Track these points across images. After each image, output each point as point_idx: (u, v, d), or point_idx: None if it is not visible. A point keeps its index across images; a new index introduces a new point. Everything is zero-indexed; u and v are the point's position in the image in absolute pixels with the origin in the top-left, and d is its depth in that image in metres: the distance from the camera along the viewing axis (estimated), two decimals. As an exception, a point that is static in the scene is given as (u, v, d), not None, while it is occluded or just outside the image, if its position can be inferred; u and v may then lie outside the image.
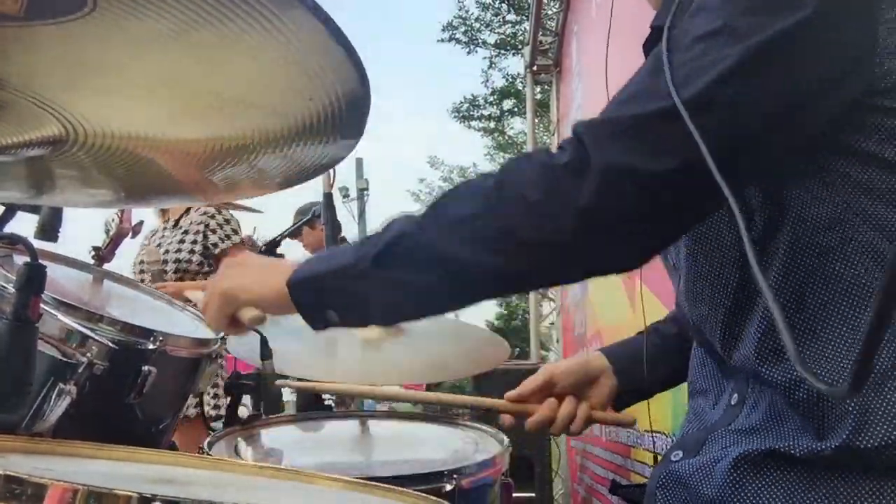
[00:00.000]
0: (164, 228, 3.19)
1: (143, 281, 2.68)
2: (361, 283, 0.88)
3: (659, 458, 1.20)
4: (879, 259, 0.82)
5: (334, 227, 2.10)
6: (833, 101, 0.81)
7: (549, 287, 1.17)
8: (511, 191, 0.83)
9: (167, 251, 3.05)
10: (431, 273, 0.86)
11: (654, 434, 2.52)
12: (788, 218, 0.85)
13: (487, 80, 18.57)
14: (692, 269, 0.97)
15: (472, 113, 19.01)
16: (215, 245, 3.09)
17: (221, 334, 1.58)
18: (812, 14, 0.77)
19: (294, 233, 2.62)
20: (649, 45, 1.03)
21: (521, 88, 15.10)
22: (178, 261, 3.02)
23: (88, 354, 1.15)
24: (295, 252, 4.12)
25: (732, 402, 0.95)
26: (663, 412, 2.34)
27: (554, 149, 0.84)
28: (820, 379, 0.69)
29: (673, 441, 1.08)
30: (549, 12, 6.24)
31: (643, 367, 1.30)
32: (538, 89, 7.14)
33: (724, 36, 0.79)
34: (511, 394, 1.33)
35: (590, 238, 0.82)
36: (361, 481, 0.99)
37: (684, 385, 1.13)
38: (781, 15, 0.77)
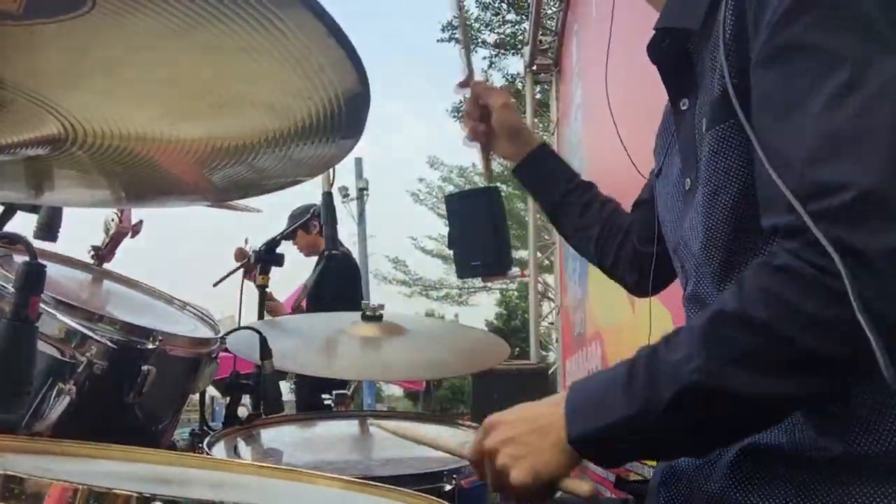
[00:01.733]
0: None
1: None
2: (649, 433, 0.84)
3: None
4: None
5: (334, 226, 2.10)
6: None
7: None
8: (783, 311, 0.76)
9: None
10: (726, 414, 0.81)
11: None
12: None
13: (487, 80, 18.52)
14: (706, 224, 0.95)
15: (471, 113, 18.97)
16: None
17: (221, 334, 1.58)
18: None
19: (288, 235, 2.63)
20: (653, 49, 1.03)
21: (520, 88, 15.10)
22: None
23: (88, 354, 1.15)
24: (291, 253, 4.13)
25: None
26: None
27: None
28: None
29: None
30: (549, 12, 6.25)
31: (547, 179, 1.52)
32: (538, 89, 7.15)
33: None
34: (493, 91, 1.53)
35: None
36: (361, 481, 0.99)
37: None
38: None
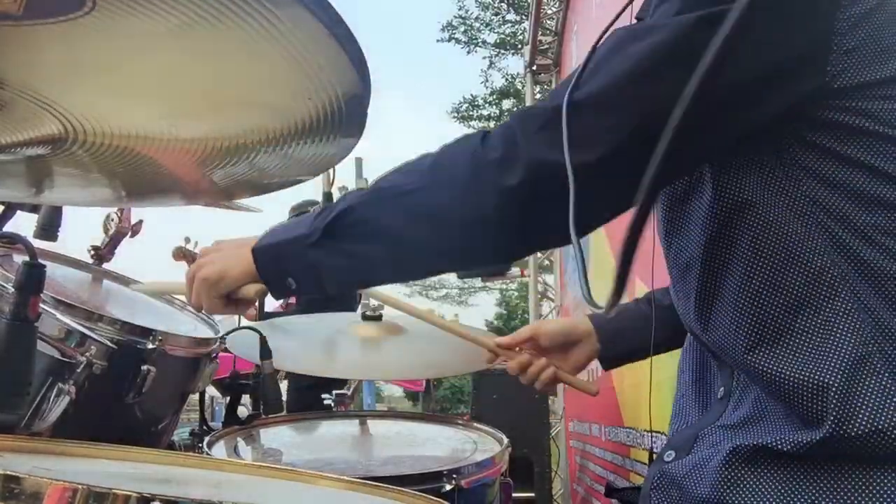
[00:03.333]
0: None
1: None
2: (314, 252, 0.96)
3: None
4: (843, 251, 0.82)
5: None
6: (771, 101, 0.82)
7: (485, 265, 1.27)
8: (444, 172, 0.90)
9: None
10: (376, 245, 0.93)
11: (654, 434, 2.52)
12: (752, 208, 0.86)
13: (487, 80, 18.58)
14: (666, 253, 0.99)
15: (471, 113, 18.99)
16: None
17: (221, 334, 1.58)
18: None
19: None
20: None
21: (520, 88, 15.10)
22: None
23: (87, 354, 1.15)
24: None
25: (719, 396, 0.96)
26: (664, 412, 2.34)
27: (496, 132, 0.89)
28: (594, 303, 0.75)
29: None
30: (549, 12, 6.24)
31: (630, 332, 1.40)
32: (538, 89, 7.13)
33: (647, 30, 0.83)
34: (501, 340, 1.50)
35: (514, 217, 0.87)
36: (361, 481, 0.99)
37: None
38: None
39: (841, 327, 0.82)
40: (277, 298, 1.03)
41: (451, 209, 0.89)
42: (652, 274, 1.29)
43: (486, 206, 0.86)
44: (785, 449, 0.83)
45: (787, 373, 0.84)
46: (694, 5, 0.80)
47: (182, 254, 4.30)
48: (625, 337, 1.43)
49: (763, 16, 0.77)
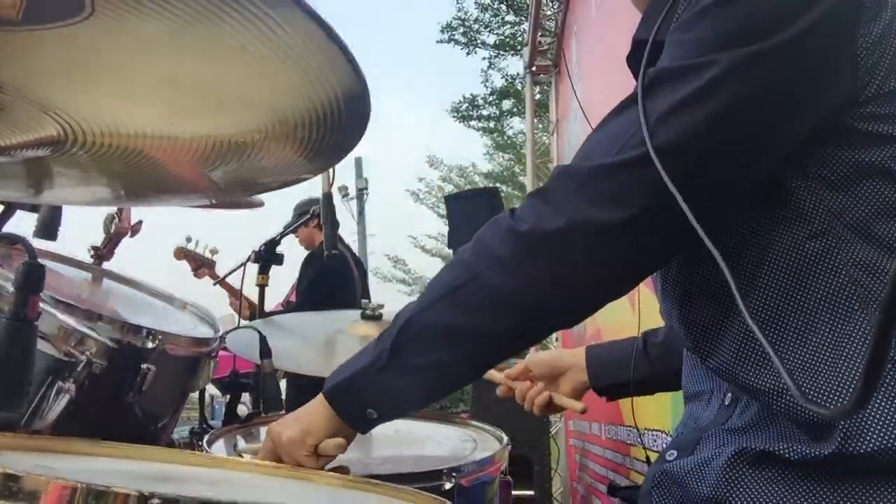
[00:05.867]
0: None
1: None
2: (385, 376, 0.94)
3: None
4: (866, 268, 0.82)
5: (334, 226, 2.10)
6: (807, 121, 0.83)
7: (548, 335, 1.31)
8: (486, 257, 0.90)
9: None
10: (441, 349, 0.92)
11: (654, 432, 2.53)
12: (772, 226, 0.85)
13: (486, 81, 18.54)
14: (663, 275, 0.99)
15: (471, 113, 18.96)
16: None
17: (221, 333, 1.59)
18: (791, 38, 0.79)
19: (291, 231, 2.63)
20: (633, 59, 1.03)
21: (520, 89, 15.08)
22: None
23: (87, 353, 1.15)
24: (294, 249, 4.12)
25: (726, 402, 0.95)
26: (663, 410, 2.34)
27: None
28: (820, 405, 0.74)
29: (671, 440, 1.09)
30: (548, 13, 6.24)
31: (618, 369, 1.47)
32: (537, 89, 7.13)
33: (693, 75, 0.82)
34: (508, 372, 1.59)
35: (561, 288, 0.88)
36: (360, 479, 1.00)
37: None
38: (760, 41, 0.79)
39: (854, 346, 0.81)
40: (364, 432, 1.01)
41: (503, 289, 0.88)
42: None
43: (536, 276, 0.87)
44: (792, 458, 0.83)
45: (787, 392, 0.84)
46: (738, 38, 0.80)
47: (183, 253, 4.31)
48: (612, 371, 1.50)
49: (805, 41, 0.79)
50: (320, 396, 1.00)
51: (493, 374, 1.59)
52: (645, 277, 0.94)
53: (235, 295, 3.37)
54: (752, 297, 0.86)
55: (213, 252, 4.11)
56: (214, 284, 3.64)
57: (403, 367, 0.93)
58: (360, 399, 0.97)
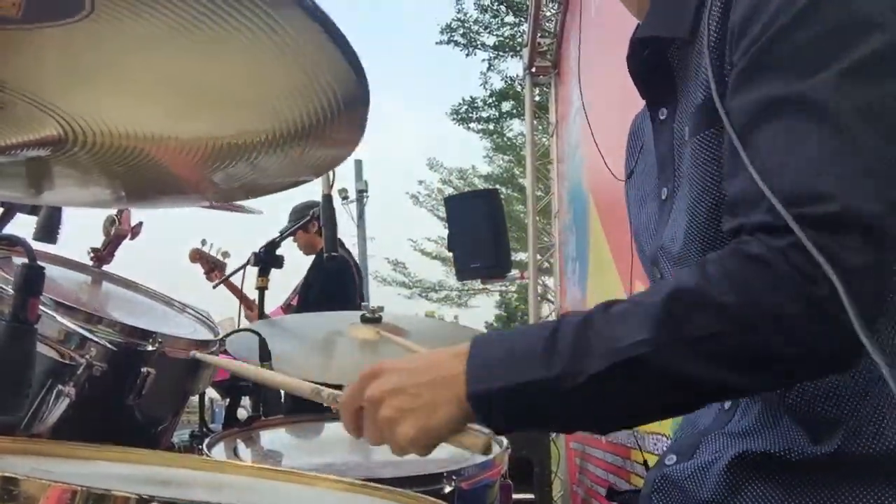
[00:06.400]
0: None
1: None
2: (576, 397, 0.80)
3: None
4: None
5: (333, 228, 2.10)
6: None
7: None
8: (763, 312, 0.74)
9: None
10: (662, 392, 0.79)
11: (654, 436, 2.52)
12: None
13: (486, 82, 18.58)
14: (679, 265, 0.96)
15: (470, 115, 19.00)
16: None
17: (221, 336, 1.58)
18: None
19: (291, 234, 2.63)
20: (633, 59, 1.03)
21: (519, 90, 15.09)
22: None
23: (87, 356, 1.15)
24: (292, 253, 4.13)
25: (725, 407, 0.95)
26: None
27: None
28: None
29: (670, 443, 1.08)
30: (548, 14, 6.24)
31: None
32: (537, 91, 7.14)
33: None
34: None
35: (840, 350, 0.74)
36: (361, 483, 0.99)
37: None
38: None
39: None
40: (500, 434, 0.90)
41: (783, 352, 0.75)
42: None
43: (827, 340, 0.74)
44: (793, 459, 0.82)
45: (798, 392, 0.83)
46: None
47: (198, 255, 4.30)
48: None
49: None
50: (456, 387, 0.83)
51: None
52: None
53: (247, 304, 3.37)
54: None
55: (225, 255, 4.13)
56: (214, 287, 3.64)
57: (605, 396, 0.80)
58: (512, 410, 0.83)
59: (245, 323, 2.84)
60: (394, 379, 0.86)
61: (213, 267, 4.11)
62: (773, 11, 0.79)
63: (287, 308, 4.42)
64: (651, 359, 0.76)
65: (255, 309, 3.24)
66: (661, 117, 1.02)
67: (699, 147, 0.91)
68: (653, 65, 1.01)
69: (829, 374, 0.82)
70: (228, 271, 3.79)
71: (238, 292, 3.43)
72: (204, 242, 4.16)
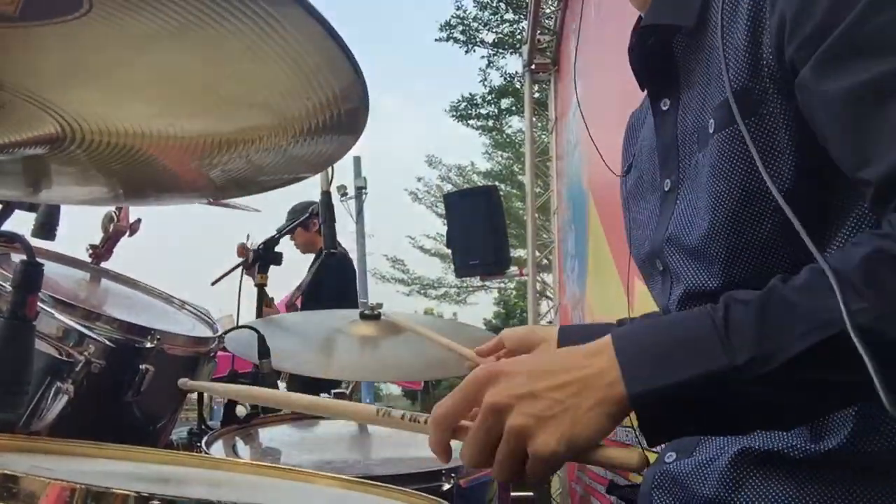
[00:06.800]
0: None
1: None
2: (765, 387, 0.68)
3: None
4: None
5: (333, 225, 2.10)
6: None
7: None
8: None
9: None
10: (876, 369, 0.63)
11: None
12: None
13: (485, 79, 18.57)
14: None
15: (470, 112, 18.99)
16: None
17: (220, 333, 1.58)
18: None
19: (289, 232, 2.64)
20: (636, 48, 1.02)
21: (519, 87, 15.08)
22: None
23: (86, 353, 1.15)
24: (289, 251, 4.13)
25: None
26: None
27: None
28: None
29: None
30: (548, 11, 6.24)
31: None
32: (536, 88, 7.14)
33: None
34: (479, 349, 1.51)
35: None
36: (359, 480, 0.99)
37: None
38: None
39: None
40: (652, 447, 0.76)
41: None
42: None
43: None
44: (796, 457, 0.82)
45: None
46: None
47: (245, 250, 4.28)
48: None
49: None
50: (604, 389, 0.71)
51: (462, 350, 1.58)
52: None
53: (267, 303, 3.37)
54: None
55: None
56: (213, 284, 3.64)
57: (802, 383, 0.68)
58: (699, 410, 0.71)
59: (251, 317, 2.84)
60: (521, 381, 0.72)
61: (251, 264, 4.10)
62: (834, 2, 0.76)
63: (290, 307, 4.42)
64: (876, 328, 0.64)
65: (272, 305, 3.25)
66: (664, 108, 1.01)
67: (727, 140, 0.88)
68: (656, 55, 1.01)
69: None
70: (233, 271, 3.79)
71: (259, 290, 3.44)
72: (248, 237, 4.14)
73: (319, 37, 0.66)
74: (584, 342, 0.99)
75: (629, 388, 0.70)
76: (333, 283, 4.04)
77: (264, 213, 2.64)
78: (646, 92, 1.07)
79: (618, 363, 0.71)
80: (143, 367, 1.26)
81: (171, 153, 0.94)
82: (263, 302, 2.56)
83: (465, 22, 18.03)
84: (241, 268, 2.67)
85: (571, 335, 1.44)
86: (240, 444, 1.54)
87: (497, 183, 16.44)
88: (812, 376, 0.67)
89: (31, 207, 1.45)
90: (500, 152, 19.46)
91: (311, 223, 3.85)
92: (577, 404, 0.71)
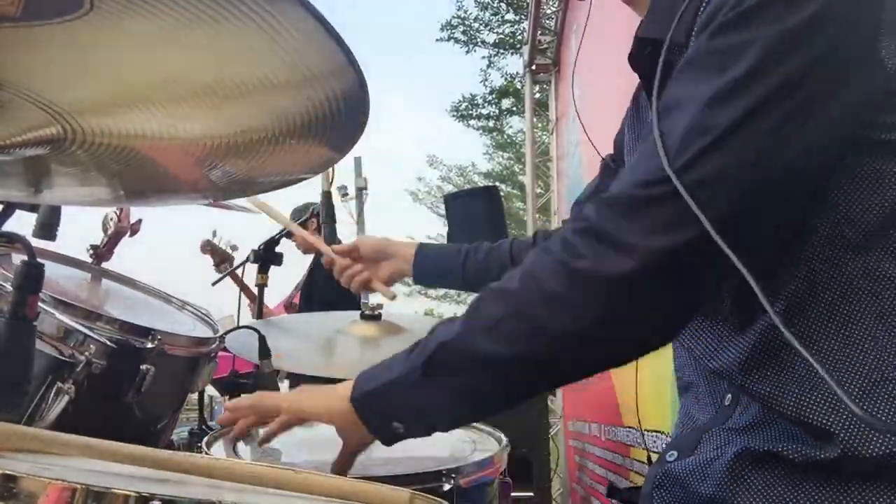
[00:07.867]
0: None
1: None
2: (416, 393, 0.94)
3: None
4: (871, 274, 0.81)
5: (333, 225, 2.10)
6: (840, 134, 0.81)
7: (587, 376, 1.23)
8: (534, 291, 0.87)
9: None
10: (476, 375, 0.91)
11: (653, 434, 2.53)
12: (814, 237, 0.83)
13: (486, 80, 18.56)
14: None
15: (470, 112, 18.98)
16: None
17: (220, 333, 1.58)
18: (821, 54, 0.77)
19: (289, 232, 2.64)
20: (635, 58, 1.03)
21: (519, 88, 15.08)
22: None
23: (87, 353, 1.15)
24: (291, 251, 4.12)
25: (726, 403, 0.95)
26: (662, 411, 2.34)
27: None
28: (876, 419, 0.72)
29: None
30: (548, 11, 6.24)
31: (440, 278, 1.65)
32: (537, 88, 7.13)
33: (718, 100, 0.80)
34: (336, 247, 1.73)
35: (610, 325, 0.84)
36: (359, 480, 0.99)
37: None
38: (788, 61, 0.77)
39: (862, 348, 0.80)
40: (388, 445, 1.02)
41: (549, 325, 0.85)
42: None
43: (586, 316, 0.84)
44: (795, 459, 0.82)
45: (791, 394, 0.83)
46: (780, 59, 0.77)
47: (209, 247, 4.29)
48: (435, 276, 1.65)
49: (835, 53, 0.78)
50: (345, 402, 1.01)
51: (321, 245, 1.73)
52: (684, 321, 0.89)
53: (249, 296, 3.37)
54: (778, 305, 0.84)
55: (234, 248, 4.14)
56: (213, 284, 3.64)
57: (434, 386, 0.93)
58: (387, 412, 0.98)
59: (247, 316, 2.84)
60: (296, 395, 1.13)
61: (222, 259, 4.11)
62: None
63: (289, 306, 4.42)
64: (454, 341, 0.91)
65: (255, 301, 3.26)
66: None
67: None
68: (655, 63, 1.01)
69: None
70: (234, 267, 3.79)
71: (241, 284, 3.44)
72: (214, 234, 4.14)
73: (320, 37, 0.66)
74: (436, 264, 1.62)
75: (352, 393, 1.01)
76: (328, 283, 4.03)
77: (265, 214, 2.63)
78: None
79: (355, 379, 1.02)
80: (143, 367, 1.26)
81: (172, 154, 0.95)
82: (263, 296, 2.56)
83: (466, 22, 18.03)
84: (242, 268, 2.67)
85: (428, 255, 1.60)
86: (240, 445, 1.53)
87: (498, 183, 16.43)
88: (439, 380, 0.92)
89: (31, 208, 1.45)
90: (500, 153, 19.45)
91: (311, 223, 3.85)
92: (321, 395, 1.08)
